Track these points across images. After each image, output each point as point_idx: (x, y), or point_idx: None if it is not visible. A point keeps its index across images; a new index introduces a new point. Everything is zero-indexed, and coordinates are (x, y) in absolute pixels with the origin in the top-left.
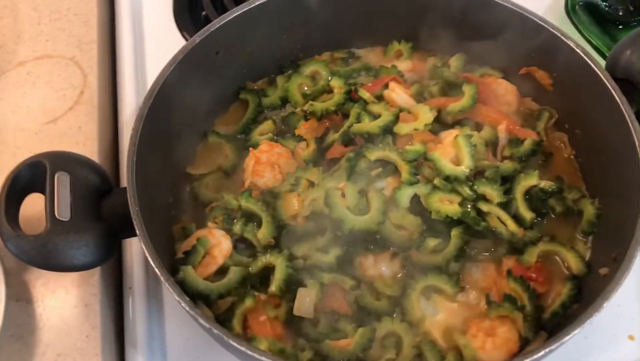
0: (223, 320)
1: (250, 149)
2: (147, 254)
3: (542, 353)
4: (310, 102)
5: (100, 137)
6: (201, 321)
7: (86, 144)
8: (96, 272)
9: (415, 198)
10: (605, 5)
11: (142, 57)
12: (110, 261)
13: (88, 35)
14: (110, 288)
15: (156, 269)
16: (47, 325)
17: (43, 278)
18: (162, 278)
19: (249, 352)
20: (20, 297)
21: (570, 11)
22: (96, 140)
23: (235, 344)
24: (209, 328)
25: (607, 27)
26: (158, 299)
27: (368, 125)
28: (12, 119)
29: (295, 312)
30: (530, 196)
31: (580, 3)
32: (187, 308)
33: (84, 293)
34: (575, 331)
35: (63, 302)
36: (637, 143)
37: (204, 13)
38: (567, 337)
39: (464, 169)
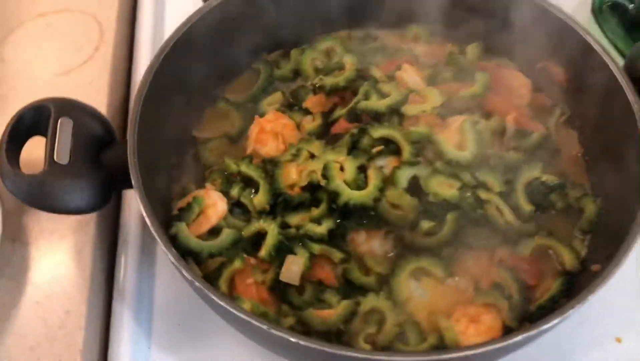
0: (211, 279)
1: (256, 117)
2: (140, 204)
3: (520, 337)
4: (321, 76)
5: (110, 93)
6: (184, 273)
7: (96, 98)
8: (92, 221)
9: (415, 180)
10: (632, 8)
11: (161, 19)
12: (109, 212)
13: None
14: (106, 238)
15: (147, 219)
16: (39, 267)
17: (40, 221)
18: (151, 228)
19: (229, 308)
20: (17, 238)
21: (596, 11)
22: (106, 95)
23: (215, 298)
24: (192, 280)
25: (633, 30)
26: (151, 255)
27: (375, 103)
28: (27, 68)
29: (282, 278)
30: (532, 189)
31: (608, 3)
32: (172, 259)
33: (78, 239)
34: (555, 321)
35: (57, 246)
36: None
37: None
38: (547, 325)
39: (466, 154)
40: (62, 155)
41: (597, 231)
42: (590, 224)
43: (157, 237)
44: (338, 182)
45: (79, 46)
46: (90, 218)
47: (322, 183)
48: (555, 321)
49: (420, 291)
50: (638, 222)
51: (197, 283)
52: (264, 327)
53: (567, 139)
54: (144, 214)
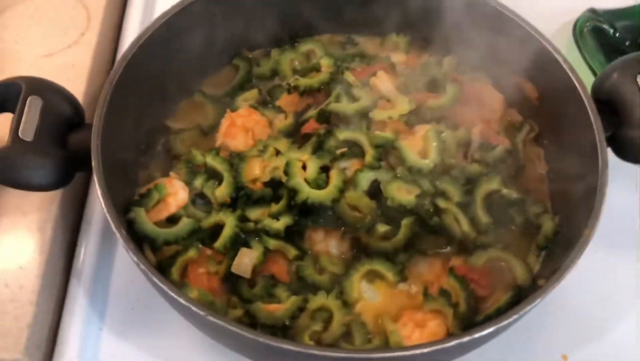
0: (164, 266)
1: (228, 110)
2: (97, 186)
3: (452, 343)
4: (296, 76)
5: (91, 77)
6: (131, 255)
7: (76, 82)
8: (56, 200)
9: (376, 184)
10: (613, 33)
11: (150, 9)
12: (74, 193)
13: None
14: (69, 218)
15: (101, 200)
16: None
17: (3, 196)
18: (105, 210)
19: (169, 291)
20: None
21: (577, 34)
22: (85, 79)
23: (156, 280)
24: (137, 262)
25: (612, 54)
26: (112, 238)
27: (344, 106)
28: (13, 49)
29: (233, 269)
30: (492, 201)
31: (589, 27)
32: (121, 241)
33: (40, 218)
34: (490, 330)
35: (18, 223)
36: (600, 164)
37: None
38: (478, 334)
39: (428, 162)
40: (27, 132)
41: (552, 247)
42: (546, 240)
43: (109, 218)
44: (298, 179)
45: (66, 31)
46: (55, 197)
47: (283, 179)
48: (490, 330)
49: (371, 293)
50: (583, 240)
51: (142, 265)
52: (202, 313)
53: (533, 155)
54: (99, 195)
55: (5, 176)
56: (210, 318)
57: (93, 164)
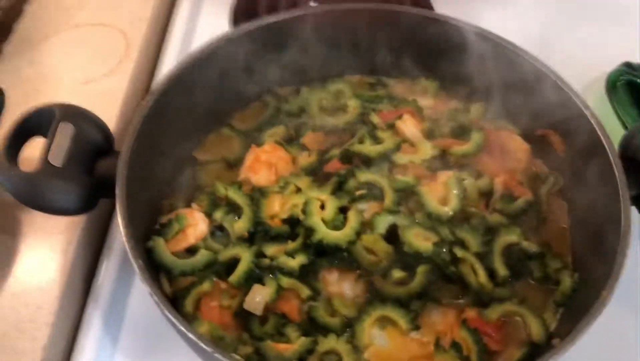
0: (179, 297)
1: (253, 145)
2: (118, 214)
3: None
4: (323, 115)
5: (124, 105)
6: (145, 285)
7: (109, 109)
8: (80, 224)
9: (394, 228)
10: None
11: (188, 44)
12: (99, 218)
13: (143, 12)
14: (92, 243)
15: (121, 228)
16: (21, 260)
17: (31, 218)
18: (123, 237)
19: (176, 323)
20: (6, 230)
21: (610, 88)
22: (119, 107)
23: (166, 312)
24: (150, 293)
25: None
26: (132, 267)
27: (367, 147)
28: (54, 74)
29: (245, 306)
30: (511, 254)
31: (622, 81)
32: (135, 268)
33: (64, 240)
34: None
35: (42, 243)
36: (622, 223)
37: None
38: None
39: (447, 210)
40: (57, 157)
41: (571, 305)
42: (564, 297)
43: (127, 248)
44: (316, 219)
45: (105, 59)
46: (79, 221)
47: (301, 217)
48: None
49: (382, 339)
50: (600, 302)
51: (154, 297)
52: (209, 350)
53: (556, 209)
54: (120, 224)
55: (32, 200)
56: (217, 355)
57: (117, 192)
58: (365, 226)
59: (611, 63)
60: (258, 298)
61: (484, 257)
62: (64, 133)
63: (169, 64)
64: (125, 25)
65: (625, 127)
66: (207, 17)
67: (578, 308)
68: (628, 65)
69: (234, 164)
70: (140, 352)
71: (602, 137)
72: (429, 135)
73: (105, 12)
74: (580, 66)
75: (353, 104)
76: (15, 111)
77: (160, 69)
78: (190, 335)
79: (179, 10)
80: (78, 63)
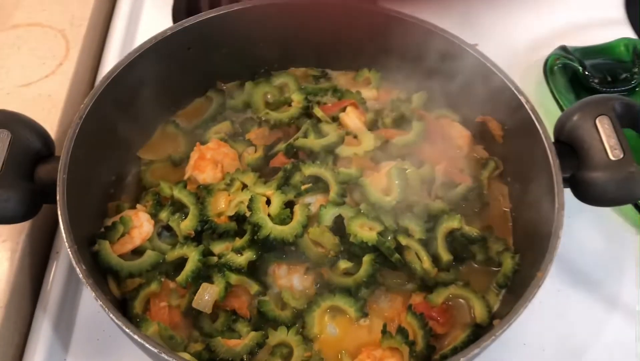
0: (127, 298)
1: (197, 143)
2: (60, 220)
3: None
4: (267, 110)
5: (65, 108)
6: (89, 289)
7: (51, 111)
8: (24, 230)
9: (339, 219)
10: (582, 71)
11: (130, 44)
12: (45, 224)
13: (82, 12)
14: (37, 249)
15: (63, 234)
16: None
17: None
18: (66, 244)
19: (123, 327)
20: None
21: (548, 72)
22: (61, 110)
23: (112, 316)
24: (95, 297)
25: (582, 93)
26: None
27: (311, 141)
28: None
29: (194, 304)
30: (454, 239)
31: (559, 65)
32: (80, 275)
33: (8, 248)
34: None
35: None
36: (556, 206)
37: None
38: None
39: (390, 200)
40: None
41: (512, 286)
42: (506, 278)
43: (69, 251)
44: (262, 215)
45: (44, 60)
46: (23, 228)
47: (247, 214)
48: None
49: (332, 329)
50: (535, 283)
51: (99, 301)
52: (155, 350)
53: (497, 193)
54: (62, 228)
55: None
56: (163, 355)
57: (58, 198)
58: (312, 219)
59: (548, 47)
60: (207, 296)
61: (427, 243)
62: (0, 141)
63: (111, 64)
64: (64, 25)
65: (562, 110)
66: (148, 15)
67: (519, 288)
68: (563, 49)
69: (179, 163)
70: (92, 355)
71: (535, 122)
72: (372, 126)
73: (43, 12)
74: (519, 49)
75: (297, 98)
76: None
77: (102, 70)
78: (136, 337)
79: (120, 9)
80: (16, 65)
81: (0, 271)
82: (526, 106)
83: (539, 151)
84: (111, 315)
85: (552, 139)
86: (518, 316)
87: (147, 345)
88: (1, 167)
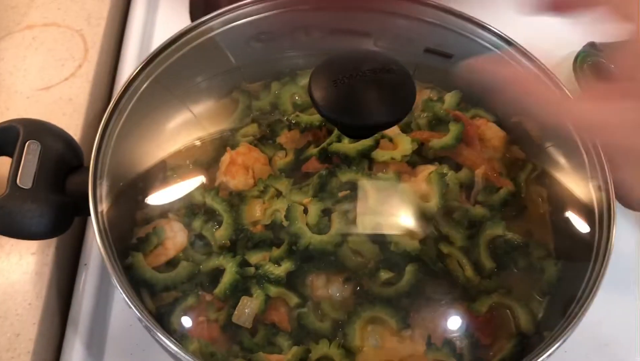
0: (163, 313)
1: (228, 148)
2: (97, 236)
3: None
4: (297, 112)
5: (87, 112)
6: (134, 309)
7: (72, 116)
8: (53, 243)
9: (378, 227)
10: (613, 68)
11: (148, 43)
12: (72, 236)
13: (99, 11)
14: (66, 262)
15: (101, 251)
16: None
17: (0, 240)
18: (106, 261)
19: (171, 347)
20: None
21: (577, 68)
22: (83, 114)
23: (164, 339)
24: (139, 318)
25: None
26: (110, 282)
27: (346, 146)
28: (8, 80)
29: (234, 319)
30: (495, 245)
31: (589, 62)
32: (122, 294)
33: (38, 261)
34: None
35: (14, 267)
36: (595, 208)
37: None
38: None
39: (431, 206)
40: (25, 179)
41: (556, 293)
42: (549, 286)
43: (110, 270)
44: (300, 224)
45: (62, 62)
46: (52, 240)
47: (285, 224)
48: None
49: (373, 341)
50: (589, 291)
51: (144, 321)
52: None
53: (536, 196)
54: (99, 246)
55: (2, 226)
56: None
57: (91, 212)
58: (350, 227)
59: (577, 44)
60: (247, 310)
61: (469, 251)
62: (31, 152)
63: (129, 64)
64: (81, 24)
65: None
66: (165, 11)
67: (563, 296)
68: (592, 45)
69: (207, 168)
70: None
71: None
72: (405, 128)
73: (58, 11)
74: (546, 46)
75: None
76: None
77: (121, 71)
78: (185, 357)
79: (136, 6)
80: (34, 67)
81: (31, 285)
82: None
83: (580, 150)
84: (159, 335)
85: None
86: (575, 327)
87: None
88: (33, 182)
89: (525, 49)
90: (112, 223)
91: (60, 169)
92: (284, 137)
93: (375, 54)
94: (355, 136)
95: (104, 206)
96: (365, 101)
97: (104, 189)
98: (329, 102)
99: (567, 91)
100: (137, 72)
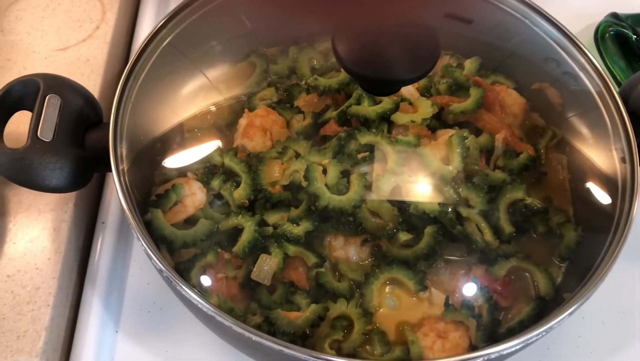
0: (182, 270)
1: (246, 110)
2: (118, 191)
3: (479, 357)
4: (315, 76)
5: (105, 73)
6: (155, 261)
7: (90, 77)
8: (71, 200)
9: (397, 189)
10: (635, 39)
11: (165, 5)
12: (89, 193)
13: None
14: (84, 219)
15: (123, 204)
16: (13, 240)
17: (19, 195)
18: (128, 216)
19: (195, 300)
20: None
21: (599, 38)
22: (101, 75)
23: (183, 290)
24: (161, 269)
25: (634, 61)
26: (128, 240)
27: (365, 108)
28: (26, 40)
29: (253, 276)
30: (514, 210)
31: (611, 32)
32: (145, 246)
33: (56, 217)
34: (512, 343)
35: (33, 222)
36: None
37: None
38: (507, 348)
39: (451, 169)
40: (46, 131)
41: (575, 258)
42: (569, 251)
43: (132, 224)
44: (319, 185)
45: (80, 23)
46: (70, 197)
47: (304, 184)
48: (512, 343)
49: (391, 301)
50: (608, 257)
51: (166, 273)
52: (227, 323)
53: (555, 162)
54: (122, 201)
55: (23, 177)
56: (237, 328)
57: (112, 168)
58: (368, 189)
59: (598, 14)
60: (266, 267)
61: (488, 215)
62: (51, 106)
63: (146, 27)
64: None
65: (615, 79)
66: None
67: (583, 261)
68: (615, 15)
69: (224, 130)
70: (143, 329)
71: (603, 89)
72: (425, 93)
73: None
74: (567, 16)
75: None
76: None
77: (138, 33)
78: (208, 308)
79: None
80: (51, 28)
81: (50, 241)
82: (592, 73)
83: (605, 120)
84: (182, 286)
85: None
86: (595, 289)
87: (218, 318)
88: (54, 134)
89: (549, 14)
90: (131, 181)
91: (80, 124)
92: (301, 101)
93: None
94: (378, 93)
95: (124, 164)
96: (389, 55)
97: (123, 147)
98: (352, 56)
99: (591, 56)
100: (154, 33)
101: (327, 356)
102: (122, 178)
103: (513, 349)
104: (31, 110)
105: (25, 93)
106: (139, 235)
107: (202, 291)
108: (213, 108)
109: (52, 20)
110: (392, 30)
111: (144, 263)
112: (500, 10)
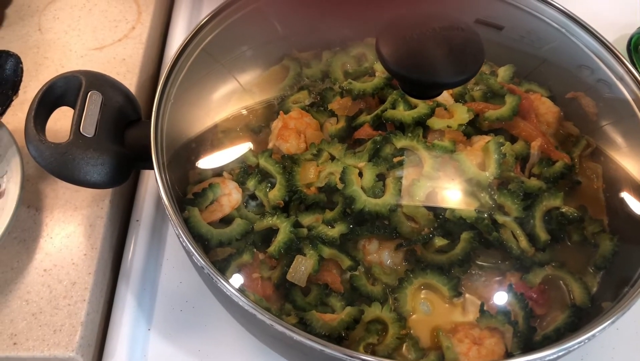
0: (218, 268)
1: (280, 112)
2: (160, 187)
3: None
4: (350, 80)
5: (141, 72)
6: (196, 258)
7: (126, 76)
8: (107, 197)
9: (432, 194)
10: None
11: (199, 5)
12: (125, 190)
13: None
14: (118, 216)
15: (165, 201)
16: (50, 235)
17: (56, 190)
18: (170, 213)
19: (236, 297)
20: (32, 204)
21: (632, 49)
22: (137, 74)
23: (224, 287)
24: (201, 266)
25: None
26: (162, 238)
27: (401, 113)
28: (63, 39)
29: (288, 277)
30: (550, 218)
31: None
32: (186, 242)
33: (92, 213)
34: (551, 351)
35: (70, 217)
36: None
37: None
38: (547, 356)
39: (487, 175)
40: (88, 127)
41: (611, 268)
42: (604, 261)
43: (174, 221)
44: (355, 187)
45: (116, 23)
46: (106, 193)
47: (340, 186)
48: (549, 352)
49: (425, 307)
50: None
51: (207, 269)
52: (269, 321)
53: (590, 172)
54: (163, 198)
55: (65, 172)
56: (277, 326)
57: (154, 165)
58: (405, 193)
59: (631, 25)
60: (302, 268)
61: (524, 222)
62: (93, 103)
63: (180, 28)
64: None
65: None
66: None
67: (619, 271)
68: None
69: (258, 132)
70: (175, 327)
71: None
72: (459, 99)
73: None
74: (601, 28)
75: (380, 68)
76: (28, 80)
77: (173, 34)
78: (248, 307)
79: None
80: (87, 28)
81: (86, 237)
82: (630, 83)
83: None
84: (223, 283)
85: None
86: (637, 298)
87: (259, 316)
88: (95, 130)
89: (584, 22)
90: (169, 180)
91: (120, 121)
92: (335, 104)
93: (443, 12)
94: (420, 96)
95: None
96: (434, 58)
97: (163, 145)
98: (397, 58)
99: (628, 64)
100: (191, 36)
101: (368, 358)
102: (163, 175)
103: (552, 357)
104: (71, 106)
105: (67, 89)
106: (180, 232)
107: (240, 290)
108: (247, 110)
109: (89, 19)
110: (437, 33)
111: (176, 262)
112: (532, 17)
